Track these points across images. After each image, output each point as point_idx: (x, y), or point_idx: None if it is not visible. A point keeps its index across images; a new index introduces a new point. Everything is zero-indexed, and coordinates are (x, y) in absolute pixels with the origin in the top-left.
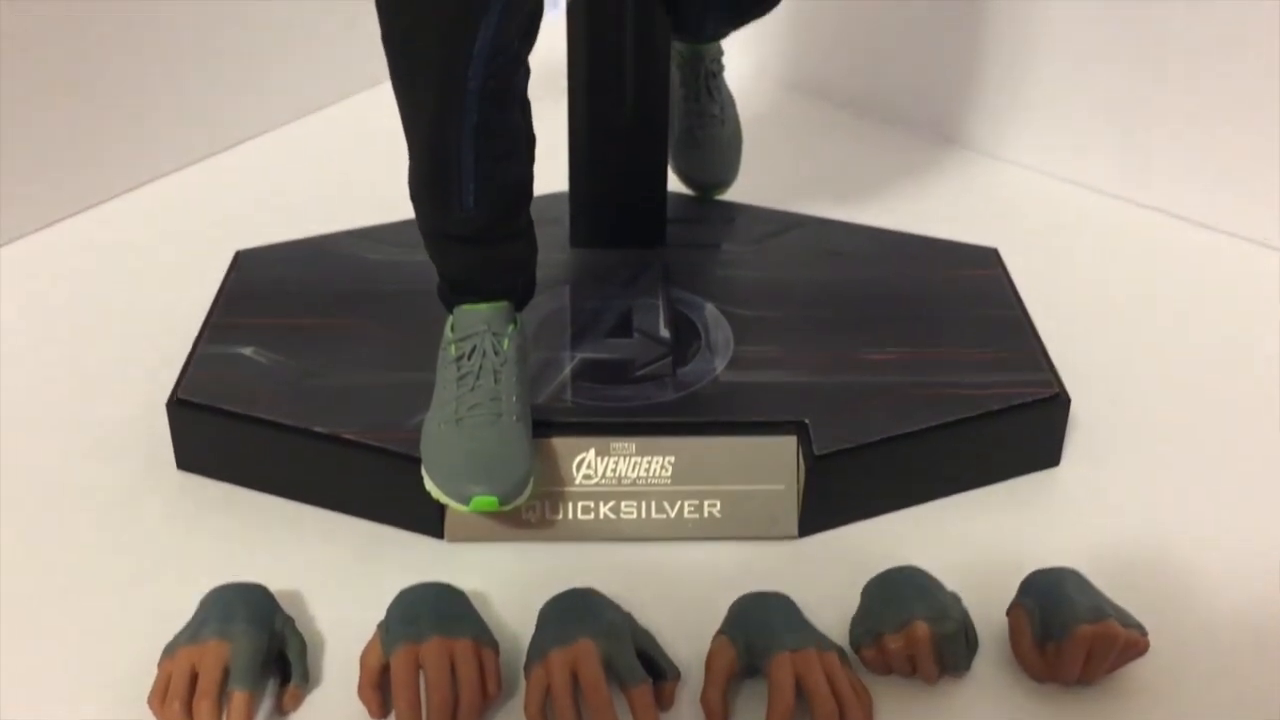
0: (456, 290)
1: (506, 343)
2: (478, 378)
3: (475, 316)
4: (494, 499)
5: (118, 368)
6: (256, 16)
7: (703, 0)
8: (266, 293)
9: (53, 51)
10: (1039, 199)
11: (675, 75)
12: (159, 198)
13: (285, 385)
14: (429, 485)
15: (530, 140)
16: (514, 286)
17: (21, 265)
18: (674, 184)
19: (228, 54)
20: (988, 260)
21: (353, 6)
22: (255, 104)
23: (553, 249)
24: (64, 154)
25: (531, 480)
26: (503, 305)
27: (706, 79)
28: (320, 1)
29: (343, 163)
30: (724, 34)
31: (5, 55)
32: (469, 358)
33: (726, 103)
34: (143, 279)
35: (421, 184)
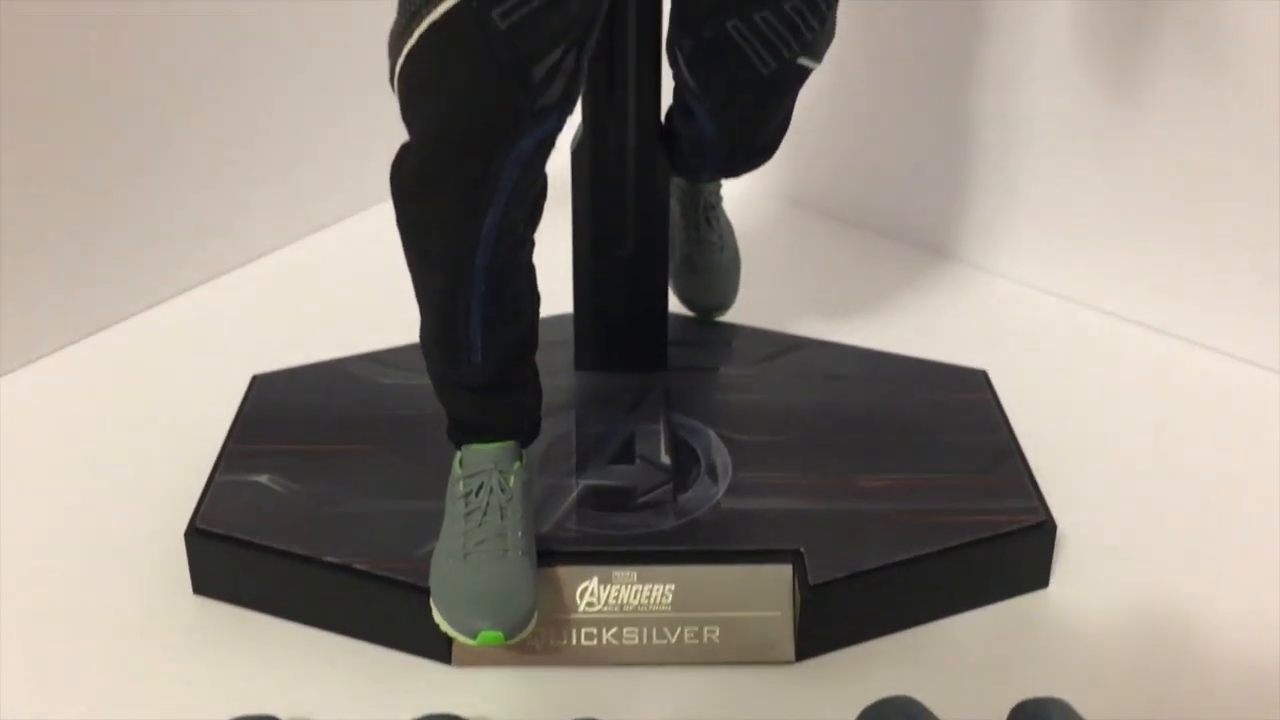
0: (464, 431)
1: (512, 480)
2: (484, 514)
3: (483, 456)
4: (499, 634)
5: (136, 490)
6: (266, 133)
7: (700, 153)
8: (282, 418)
9: (62, 171)
10: (1030, 314)
11: (675, 207)
12: (174, 317)
13: (299, 514)
14: (437, 618)
15: (535, 300)
16: (520, 428)
17: (38, 387)
18: (674, 304)
19: (237, 171)
20: (977, 383)
21: (364, 122)
22: (265, 221)
23: (558, 372)
24: (76, 276)
25: (535, 614)
26: (509, 445)
27: (705, 210)
28: (329, 118)
29: (356, 276)
30: (720, 179)
31: (15, 176)
32: (476, 494)
33: (725, 230)
34: (159, 400)
35: (431, 340)
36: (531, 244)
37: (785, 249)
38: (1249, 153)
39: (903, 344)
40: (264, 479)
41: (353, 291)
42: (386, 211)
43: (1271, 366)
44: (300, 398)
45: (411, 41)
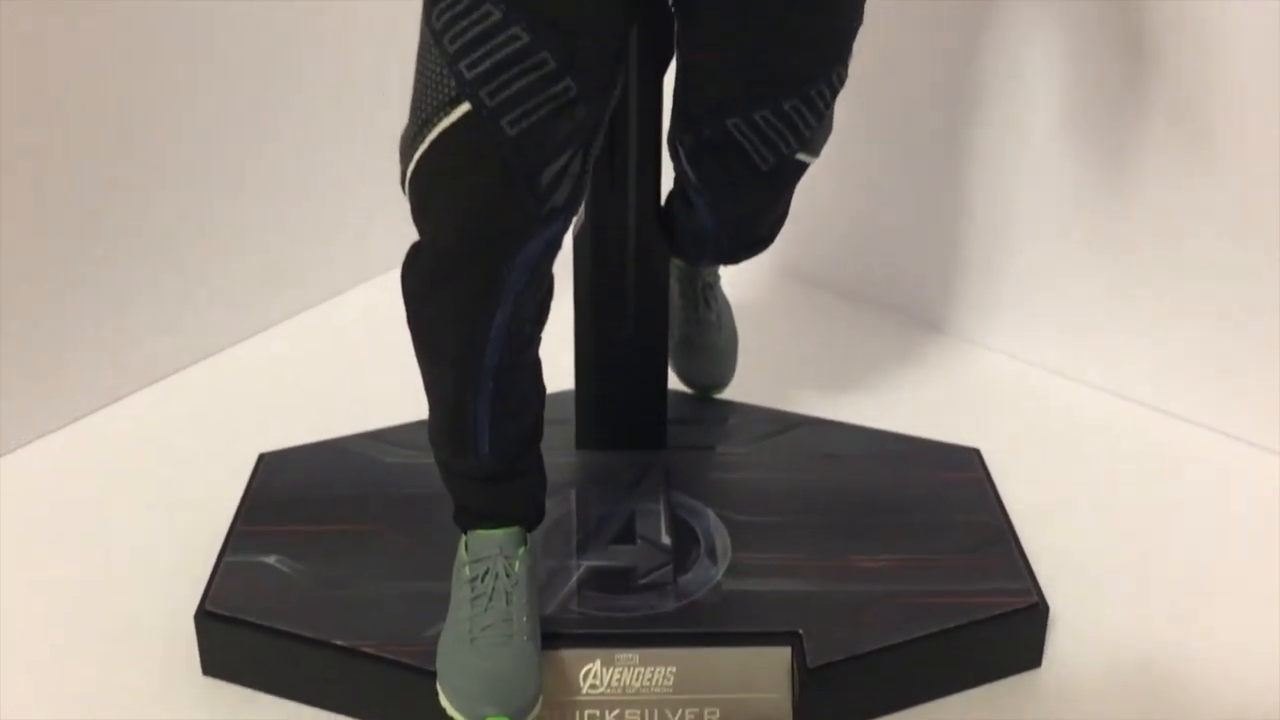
0: (470, 517)
1: (518, 565)
2: (490, 599)
3: (489, 541)
4: (505, 718)
5: (144, 570)
6: (267, 206)
7: (699, 243)
8: (288, 498)
9: (63, 245)
10: (1024, 389)
11: (674, 286)
12: (176, 393)
13: (307, 596)
14: (444, 702)
15: (540, 393)
16: (525, 515)
17: (41, 466)
18: (673, 381)
19: (238, 245)
20: (970, 463)
21: (364, 194)
22: (266, 294)
23: (560, 450)
24: (77, 352)
25: (540, 698)
26: (514, 530)
27: (703, 290)
28: (329, 191)
29: (358, 348)
30: (718, 266)
31: (15, 252)
32: (482, 580)
33: (723, 309)
34: (165, 477)
35: (438, 432)
36: (538, 341)
37: (781, 322)
38: (1239, 233)
39: (898, 420)
40: (272, 560)
41: (354, 364)
42: (387, 283)
43: (1265, 445)
44: (306, 477)
45: (423, 147)
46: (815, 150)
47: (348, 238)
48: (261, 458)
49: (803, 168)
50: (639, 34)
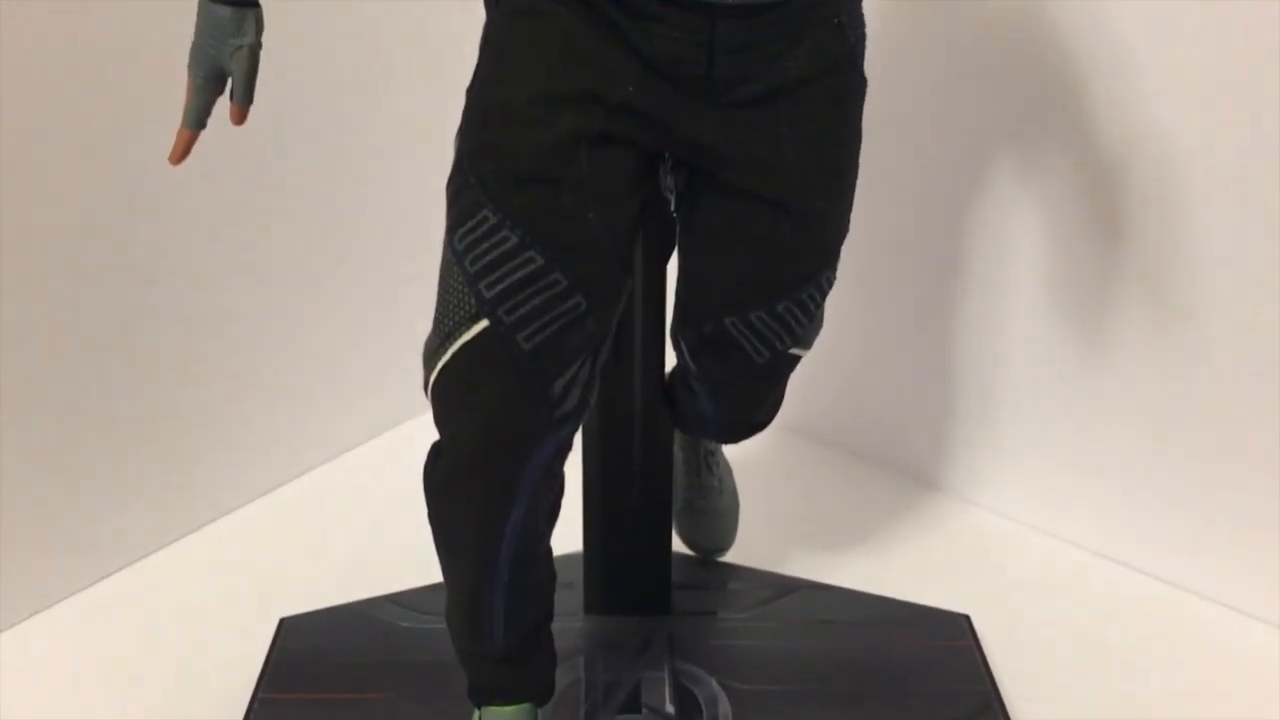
0: (484, 694)
1: None
2: None
3: (501, 717)
4: None
5: None
6: (277, 365)
7: (701, 424)
8: (309, 664)
9: (76, 408)
10: (1015, 551)
11: (677, 452)
12: (192, 554)
13: None
14: None
15: (552, 579)
16: (536, 692)
17: (58, 631)
18: (677, 544)
19: (252, 401)
20: (960, 630)
21: (380, 346)
22: (282, 453)
23: (568, 616)
24: (90, 516)
25: None
26: (525, 707)
27: (705, 455)
28: (344, 346)
29: (374, 502)
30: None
31: (27, 413)
32: None
33: (724, 473)
34: (184, 639)
35: (456, 618)
36: (550, 533)
37: (779, 476)
38: (1222, 401)
39: (893, 581)
40: None
41: (373, 518)
42: (402, 435)
43: (1260, 616)
44: (325, 642)
45: (444, 359)
46: (807, 344)
47: (364, 390)
48: (282, 623)
49: (796, 360)
50: (644, 223)
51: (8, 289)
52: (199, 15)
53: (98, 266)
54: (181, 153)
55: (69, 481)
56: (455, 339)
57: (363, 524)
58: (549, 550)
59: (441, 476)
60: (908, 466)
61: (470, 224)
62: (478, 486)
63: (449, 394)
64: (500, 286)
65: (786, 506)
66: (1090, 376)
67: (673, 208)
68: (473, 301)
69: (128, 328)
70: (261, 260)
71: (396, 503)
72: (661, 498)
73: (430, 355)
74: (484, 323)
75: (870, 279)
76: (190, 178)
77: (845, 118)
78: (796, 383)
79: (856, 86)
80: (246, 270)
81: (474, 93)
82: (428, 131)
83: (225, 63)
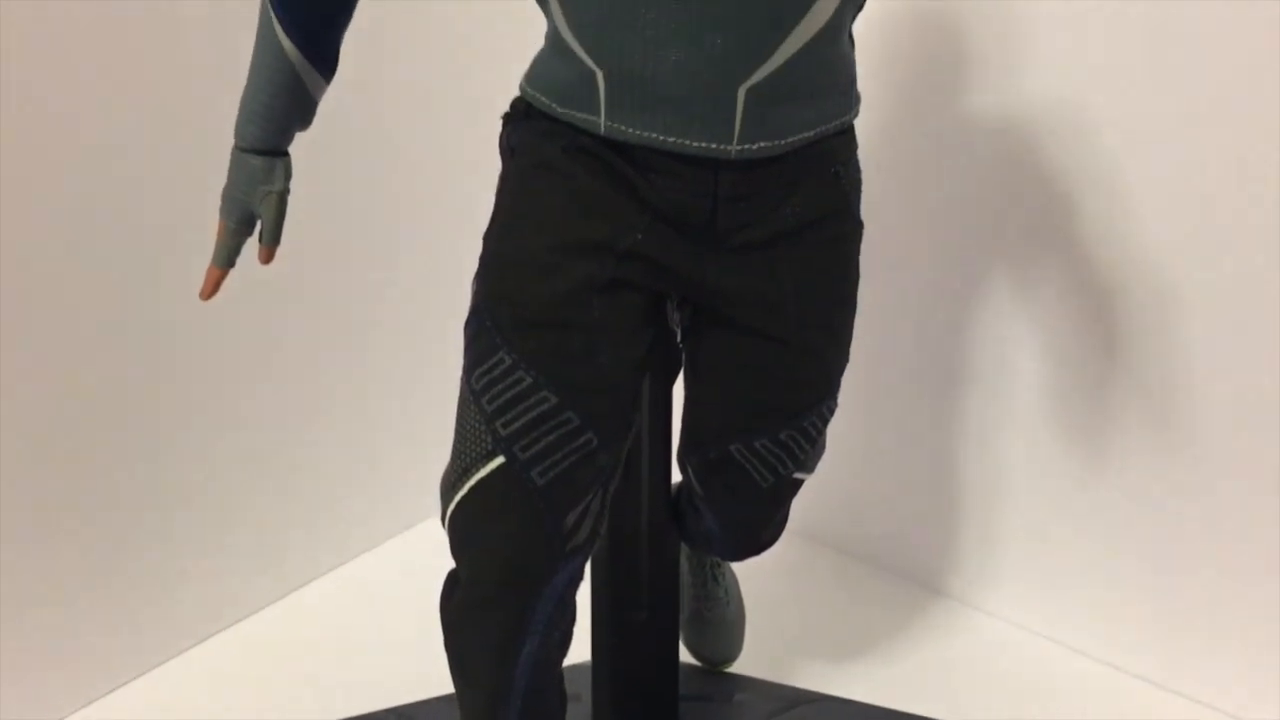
0: None
1: None
2: None
3: None
4: None
5: None
6: (276, 478)
7: (707, 543)
8: None
9: (80, 520)
10: (1020, 658)
11: (684, 564)
12: (198, 666)
13: None
14: None
15: (563, 703)
16: None
17: None
18: (684, 654)
19: (256, 513)
20: None
21: (393, 452)
22: (288, 561)
23: None
24: (102, 627)
25: None
26: None
27: (711, 567)
28: (355, 451)
29: (374, 614)
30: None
31: (35, 525)
32: None
33: (730, 584)
34: None
35: None
36: (562, 660)
37: (785, 585)
38: (1224, 510)
39: (898, 690)
40: None
41: (380, 627)
42: (410, 539)
43: None
44: None
45: (462, 493)
46: (810, 468)
47: (375, 494)
48: None
49: (799, 484)
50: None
51: (21, 396)
52: (231, 163)
53: (114, 376)
54: (211, 290)
55: (69, 598)
56: (472, 474)
57: (371, 634)
58: (560, 675)
59: (457, 608)
60: (913, 572)
61: (487, 365)
62: (493, 620)
63: (466, 528)
64: (516, 425)
65: (792, 614)
66: (1090, 486)
67: (679, 338)
68: (489, 439)
69: (129, 441)
70: (275, 369)
71: (404, 611)
72: (669, 613)
73: (448, 489)
74: (500, 459)
75: (875, 389)
76: (189, 286)
77: (842, 259)
78: (806, 488)
79: (853, 230)
80: (256, 379)
81: (491, 240)
82: (436, 242)
83: (256, 207)
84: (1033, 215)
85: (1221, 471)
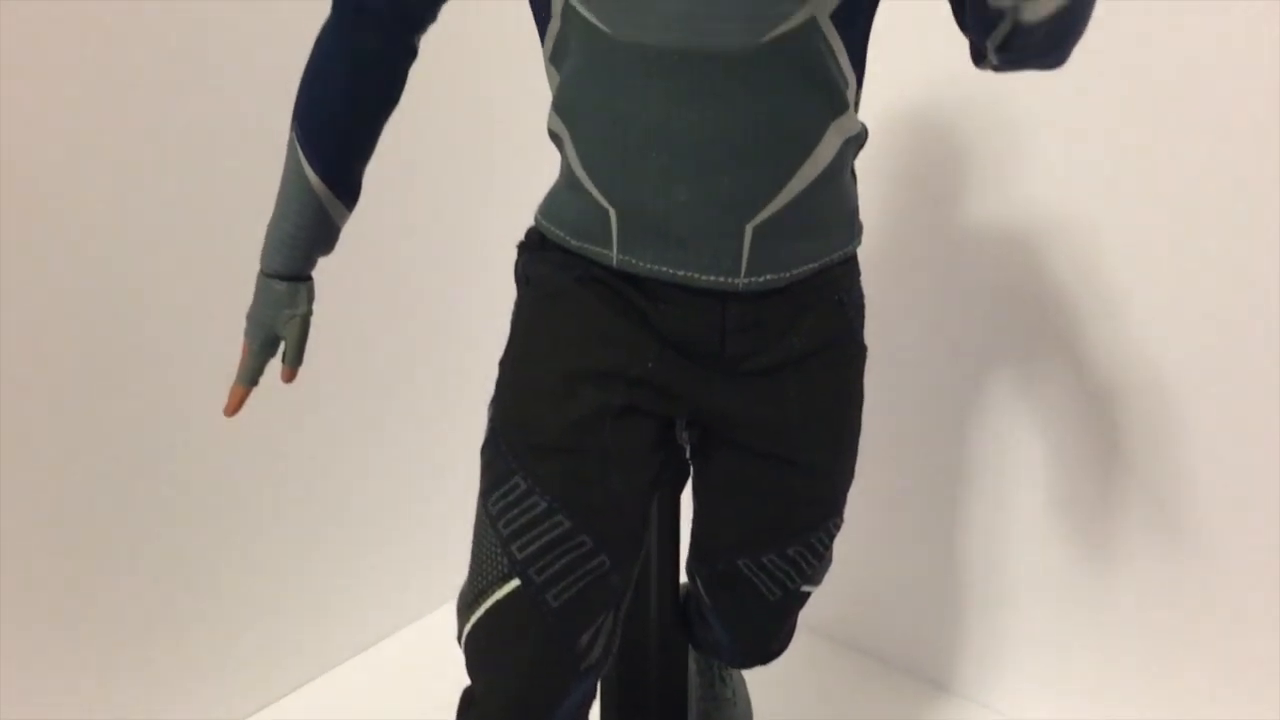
0: None
1: None
2: None
3: None
4: None
5: None
6: (274, 574)
7: (716, 651)
8: None
9: (86, 611)
10: None
11: (691, 665)
12: None
13: None
14: None
15: None
16: None
17: None
18: None
19: (251, 614)
20: None
21: (403, 539)
22: (277, 664)
23: None
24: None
25: None
26: None
27: (719, 668)
28: (368, 538)
29: (402, 696)
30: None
31: (48, 616)
32: None
33: (737, 684)
34: None
35: None
36: None
37: (792, 682)
38: (1231, 606)
39: None
40: None
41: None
42: (425, 627)
43: None
44: None
45: (478, 614)
46: (817, 581)
47: (390, 581)
48: None
49: (806, 596)
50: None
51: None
52: (257, 289)
53: (126, 477)
54: (235, 407)
55: (88, 685)
56: (489, 595)
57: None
58: None
59: None
60: (919, 669)
61: (503, 489)
62: None
63: (482, 649)
64: (531, 548)
65: (800, 712)
66: (1094, 583)
67: (688, 454)
68: (505, 561)
69: (144, 528)
70: (286, 461)
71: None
72: (678, 717)
73: (464, 608)
74: (516, 582)
75: (881, 489)
76: (212, 381)
77: (846, 383)
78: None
79: (856, 354)
80: (261, 462)
81: (506, 367)
82: (436, 340)
83: (280, 329)
84: (1033, 317)
85: (1226, 571)
